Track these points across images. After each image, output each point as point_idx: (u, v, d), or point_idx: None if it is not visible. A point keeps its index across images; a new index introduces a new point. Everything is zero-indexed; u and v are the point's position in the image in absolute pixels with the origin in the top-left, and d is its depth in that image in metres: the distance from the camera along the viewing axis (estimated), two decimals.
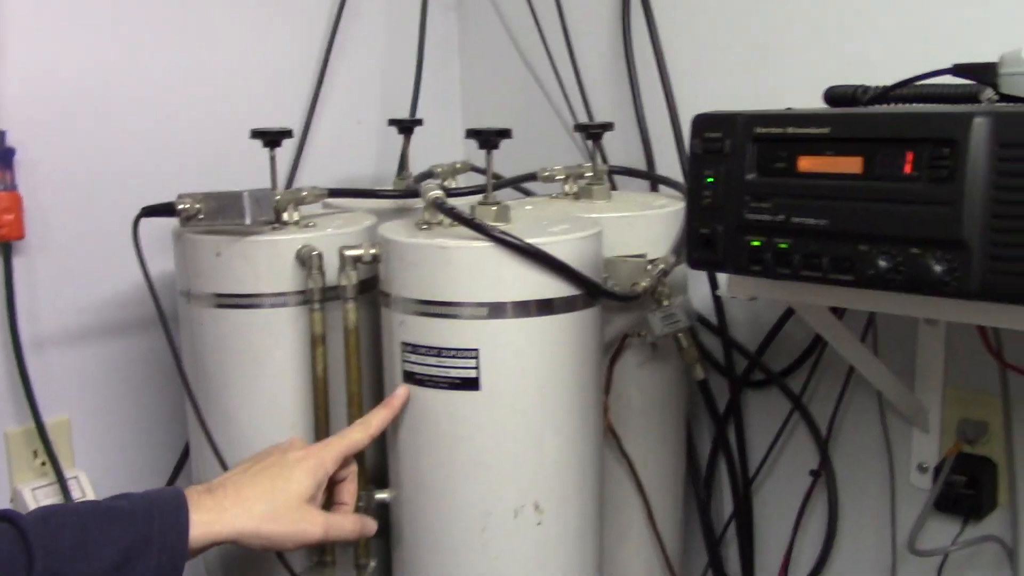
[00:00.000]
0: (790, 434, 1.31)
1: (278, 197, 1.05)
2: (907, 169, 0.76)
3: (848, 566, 1.29)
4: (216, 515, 0.84)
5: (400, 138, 1.32)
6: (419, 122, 1.32)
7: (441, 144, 1.50)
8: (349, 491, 0.97)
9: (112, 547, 0.77)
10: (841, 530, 1.28)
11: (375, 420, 0.96)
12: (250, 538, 0.86)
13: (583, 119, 1.41)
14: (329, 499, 0.96)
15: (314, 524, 0.89)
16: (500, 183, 1.21)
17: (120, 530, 0.78)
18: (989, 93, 0.84)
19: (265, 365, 1.04)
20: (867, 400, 1.23)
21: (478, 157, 1.31)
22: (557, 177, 1.22)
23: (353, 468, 0.98)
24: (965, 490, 1.14)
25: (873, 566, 1.26)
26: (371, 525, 0.97)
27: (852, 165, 0.78)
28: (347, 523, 0.94)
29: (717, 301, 1.26)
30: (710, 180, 0.85)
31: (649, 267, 1.07)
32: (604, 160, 1.27)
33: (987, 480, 1.14)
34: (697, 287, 1.29)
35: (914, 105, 0.95)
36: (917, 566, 1.21)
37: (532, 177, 1.23)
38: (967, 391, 1.16)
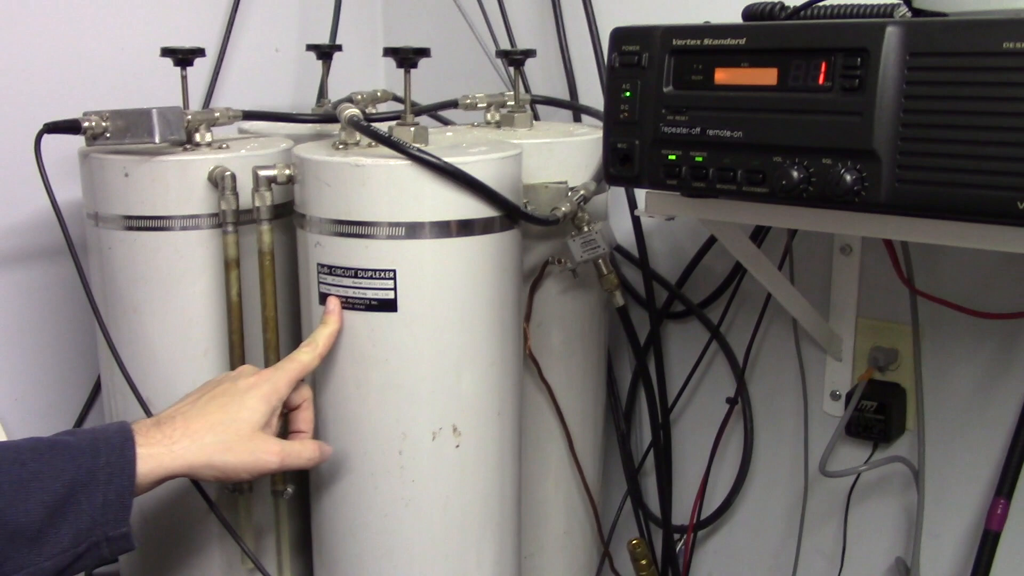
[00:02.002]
0: (708, 364, 1.32)
1: (189, 117, 1.02)
2: (820, 80, 0.77)
3: (762, 492, 1.31)
4: (165, 448, 0.81)
5: (319, 65, 1.29)
6: (338, 47, 1.29)
7: (362, 73, 1.48)
8: (305, 419, 0.94)
9: (54, 482, 0.74)
10: (756, 457, 1.30)
11: (320, 339, 0.92)
12: (202, 470, 0.83)
13: (506, 47, 1.39)
14: (284, 428, 0.94)
15: (269, 453, 0.86)
16: (420, 108, 1.19)
17: (63, 464, 0.75)
18: (903, 10, 0.84)
19: (178, 290, 1.02)
20: (783, 330, 1.25)
21: (399, 87, 1.30)
22: (479, 105, 1.21)
23: (308, 394, 0.95)
24: (875, 415, 1.16)
25: (786, 491, 1.29)
26: (327, 449, 0.94)
27: (767, 76, 0.79)
28: (305, 450, 0.90)
29: (639, 234, 1.26)
30: (627, 94, 0.85)
31: (569, 193, 1.07)
32: (527, 89, 1.26)
33: (896, 406, 1.17)
34: (618, 221, 1.30)
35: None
36: (828, 490, 1.24)
37: (453, 104, 1.21)
38: (879, 320, 1.18)
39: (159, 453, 0.81)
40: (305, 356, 0.92)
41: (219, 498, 1.03)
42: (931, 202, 0.73)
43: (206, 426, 0.84)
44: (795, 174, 0.78)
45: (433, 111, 1.25)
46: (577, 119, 1.34)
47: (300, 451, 0.90)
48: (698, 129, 0.82)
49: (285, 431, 0.94)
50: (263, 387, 0.88)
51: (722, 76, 0.81)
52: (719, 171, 0.81)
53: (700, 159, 0.82)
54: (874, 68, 0.74)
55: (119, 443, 0.79)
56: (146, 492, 0.81)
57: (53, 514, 0.74)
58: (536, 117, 1.29)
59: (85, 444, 0.78)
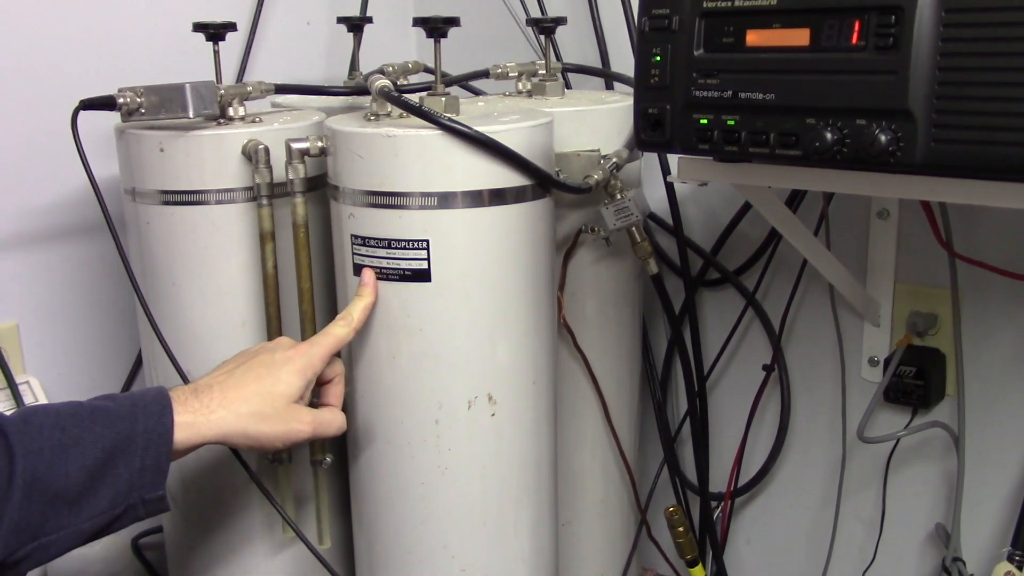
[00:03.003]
0: (744, 332, 1.32)
1: (222, 91, 1.03)
2: (854, 39, 0.76)
3: (800, 459, 1.31)
4: (202, 417, 0.83)
5: (350, 39, 1.29)
6: (369, 19, 1.29)
7: (393, 45, 1.48)
8: (336, 394, 0.96)
9: (94, 447, 0.76)
10: (793, 424, 1.30)
11: (355, 312, 0.93)
12: (237, 439, 0.85)
13: (536, 15, 1.38)
14: (316, 396, 0.95)
15: (302, 423, 0.88)
16: (451, 79, 1.19)
17: (102, 430, 0.77)
18: None
19: (215, 263, 1.03)
20: (819, 296, 1.24)
21: (430, 58, 1.30)
22: (510, 74, 1.20)
23: (340, 369, 0.96)
24: (914, 380, 1.15)
25: (824, 458, 1.28)
26: None
27: (799, 37, 0.78)
28: (336, 419, 0.92)
29: (672, 201, 1.26)
30: (658, 59, 0.84)
31: (602, 161, 1.07)
32: (558, 58, 1.26)
33: (936, 371, 1.15)
34: (652, 188, 1.29)
35: None
36: (867, 456, 1.23)
37: (484, 74, 1.21)
38: (917, 284, 1.17)
39: (196, 422, 0.82)
40: (340, 330, 0.93)
41: (260, 468, 1.04)
42: (968, 161, 0.72)
43: (242, 397, 0.85)
44: (829, 136, 0.77)
45: (464, 81, 1.24)
46: (609, 87, 1.33)
47: (331, 420, 0.92)
48: (730, 92, 0.81)
49: (315, 404, 0.95)
50: (299, 361, 0.90)
51: (753, 38, 0.80)
52: (751, 134, 0.80)
53: (732, 123, 0.81)
54: (908, 26, 0.73)
55: (157, 411, 0.80)
56: (182, 457, 0.83)
57: (92, 478, 0.76)
58: (568, 85, 1.28)
59: (124, 411, 0.79)
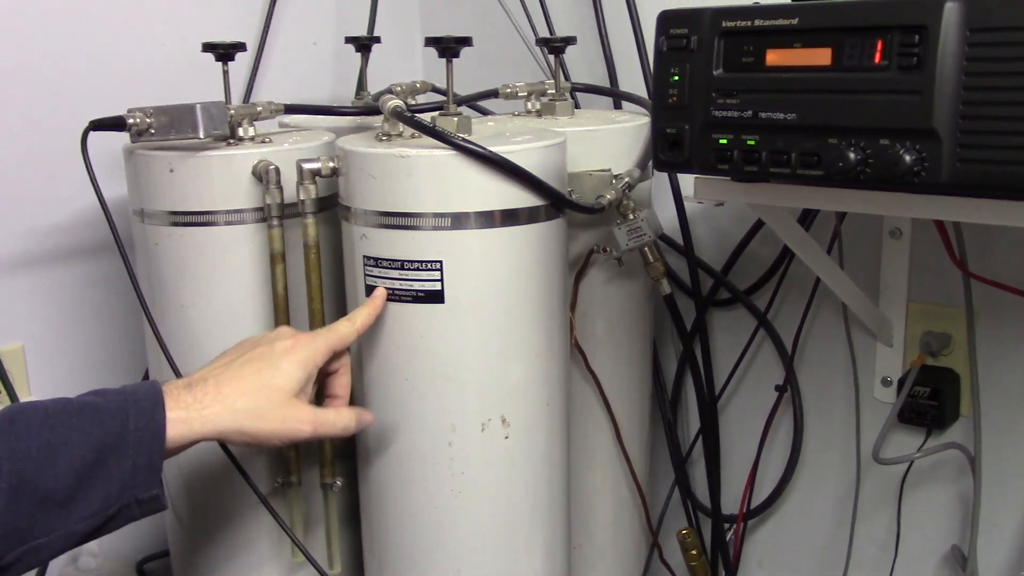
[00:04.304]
0: (755, 352, 1.31)
1: (232, 111, 1.02)
2: (876, 58, 0.75)
3: (812, 480, 1.30)
4: (196, 412, 0.79)
5: (357, 59, 1.29)
6: (377, 39, 1.28)
7: (399, 65, 1.47)
8: (342, 384, 0.92)
9: (83, 446, 0.73)
10: (806, 445, 1.29)
11: (359, 317, 0.91)
12: (233, 435, 0.81)
13: (544, 35, 1.38)
14: (320, 391, 0.92)
15: (302, 421, 0.84)
16: (461, 99, 1.18)
17: (91, 428, 0.74)
18: None
19: (224, 284, 1.02)
20: (831, 316, 1.23)
21: (437, 78, 1.29)
22: (519, 94, 1.20)
23: (345, 360, 0.92)
24: (928, 401, 1.14)
25: (837, 479, 1.27)
26: (367, 417, 0.91)
27: (821, 57, 0.78)
28: (339, 419, 0.88)
29: (683, 222, 1.25)
30: (676, 78, 0.83)
31: (614, 181, 1.06)
32: (566, 77, 1.25)
33: (950, 391, 1.15)
34: (661, 208, 1.28)
35: None
36: (881, 477, 1.22)
37: (494, 94, 1.20)
38: (931, 304, 1.16)
39: (189, 418, 0.78)
40: (343, 328, 0.90)
41: (269, 491, 1.03)
42: (994, 181, 0.71)
43: (238, 391, 0.81)
44: (852, 155, 0.76)
45: (474, 101, 1.24)
46: (617, 106, 1.33)
47: (334, 420, 0.87)
48: (750, 112, 0.80)
49: (320, 397, 0.92)
50: (300, 352, 0.86)
51: (774, 57, 0.79)
52: (772, 154, 0.80)
53: (752, 143, 0.80)
54: (933, 45, 0.72)
55: (148, 407, 0.77)
56: (176, 455, 0.80)
57: (82, 479, 0.73)
58: (576, 105, 1.28)
59: (114, 407, 0.76)
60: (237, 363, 0.84)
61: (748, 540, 1.36)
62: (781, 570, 1.36)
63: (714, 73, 0.81)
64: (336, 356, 0.91)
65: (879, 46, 0.75)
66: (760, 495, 1.32)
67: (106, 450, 0.74)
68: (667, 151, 0.85)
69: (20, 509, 0.71)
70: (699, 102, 0.82)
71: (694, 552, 1.19)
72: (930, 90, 0.72)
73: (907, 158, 0.74)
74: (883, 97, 0.75)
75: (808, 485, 1.30)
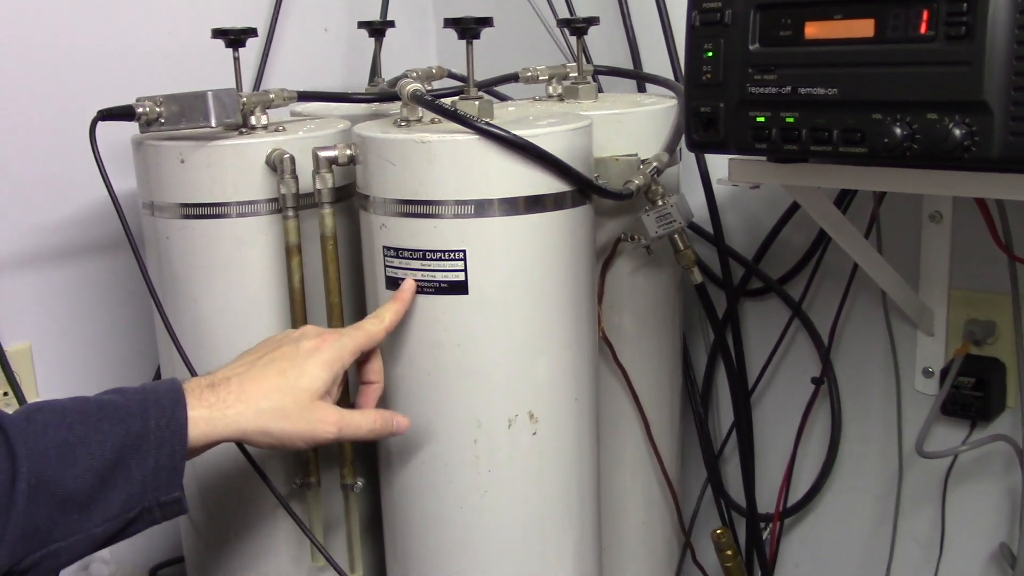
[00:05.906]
0: (790, 343, 1.27)
1: (244, 99, 0.99)
2: (922, 29, 0.72)
3: (852, 476, 1.25)
4: (218, 412, 0.76)
5: (370, 45, 1.25)
6: (391, 23, 1.25)
7: (412, 50, 1.44)
8: (375, 369, 0.89)
9: (103, 447, 0.70)
10: (844, 440, 1.25)
11: (387, 313, 0.88)
12: (256, 436, 0.79)
13: (564, 16, 1.34)
14: (344, 396, 0.89)
15: (327, 423, 0.81)
16: (481, 82, 1.14)
17: (111, 427, 0.71)
18: None
19: (238, 279, 0.99)
20: (869, 305, 1.19)
21: (452, 64, 1.25)
22: (540, 77, 1.16)
23: (379, 367, 0.89)
24: (973, 392, 1.10)
25: (878, 476, 1.23)
26: (400, 421, 0.88)
27: (863, 28, 0.74)
28: (365, 421, 0.85)
29: (712, 209, 1.21)
30: (710, 54, 0.80)
31: (641, 166, 1.02)
32: (589, 60, 1.21)
33: (995, 382, 1.11)
34: (689, 196, 1.24)
35: None
36: (923, 472, 1.18)
37: (514, 78, 1.16)
38: (973, 291, 1.12)
39: (211, 417, 0.76)
40: (371, 326, 0.87)
41: (287, 492, 0.99)
42: None
43: (262, 392, 0.79)
44: (898, 131, 0.72)
45: (493, 85, 1.20)
46: (641, 89, 1.29)
47: (360, 422, 0.85)
48: (788, 88, 0.76)
49: (345, 399, 0.89)
50: (326, 352, 0.83)
51: (813, 30, 0.76)
52: (812, 132, 0.76)
53: (791, 120, 0.76)
54: (983, 13, 0.68)
55: (170, 406, 0.74)
56: (199, 455, 0.77)
57: (103, 480, 0.70)
58: (599, 89, 1.24)
59: (134, 406, 0.73)
60: (261, 363, 0.82)
61: (784, 540, 1.32)
62: (819, 570, 1.31)
63: (750, 48, 0.78)
64: (372, 358, 0.89)
65: (925, 15, 0.71)
66: (797, 493, 1.28)
67: (127, 450, 0.71)
68: (701, 131, 0.81)
69: (39, 511, 0.68)
70: (734, 79, 0.78)
71: (729, 552, 1.15)
72: (980, 60, 0.68)
73: (956, 132, 0.70)
74: (930, 69, 0.71)
75: (847, 482, 1.26)
